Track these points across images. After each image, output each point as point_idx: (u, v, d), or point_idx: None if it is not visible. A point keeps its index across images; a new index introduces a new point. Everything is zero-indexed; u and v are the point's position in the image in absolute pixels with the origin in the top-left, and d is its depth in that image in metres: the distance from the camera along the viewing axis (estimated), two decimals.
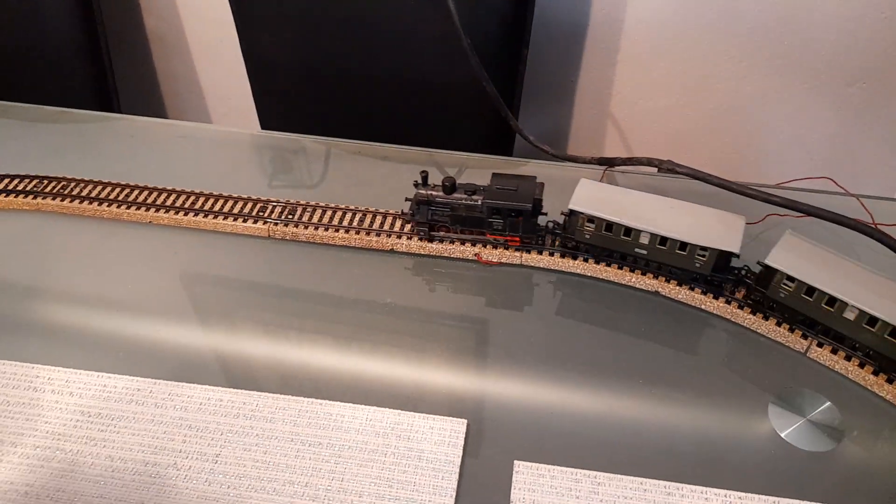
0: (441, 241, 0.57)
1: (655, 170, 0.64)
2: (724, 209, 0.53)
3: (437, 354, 0.50)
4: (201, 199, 0.61)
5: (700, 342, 0.51)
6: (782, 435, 0.45)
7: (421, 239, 0.57)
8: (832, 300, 0.47)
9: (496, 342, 0.51)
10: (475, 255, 0.56)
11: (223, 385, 0.47)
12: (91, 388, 0.47)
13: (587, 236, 0.54)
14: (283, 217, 0.59)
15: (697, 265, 0.52)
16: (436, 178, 0.56)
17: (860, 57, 0.89)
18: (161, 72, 1.12)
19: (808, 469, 0.43)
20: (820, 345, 0.49)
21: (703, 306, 0.52)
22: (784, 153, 1.02)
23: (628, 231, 0.52)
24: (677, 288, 0.52)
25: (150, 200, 0.60)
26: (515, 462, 0.43)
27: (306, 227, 0.58)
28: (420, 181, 0.56)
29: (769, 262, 0.49)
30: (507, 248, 0.56)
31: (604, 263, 0.54)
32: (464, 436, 0.44)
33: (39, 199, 0.60)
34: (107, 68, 0.94)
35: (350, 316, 0.53)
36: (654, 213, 0.52)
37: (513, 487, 0.41)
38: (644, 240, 0.52)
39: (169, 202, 0.60)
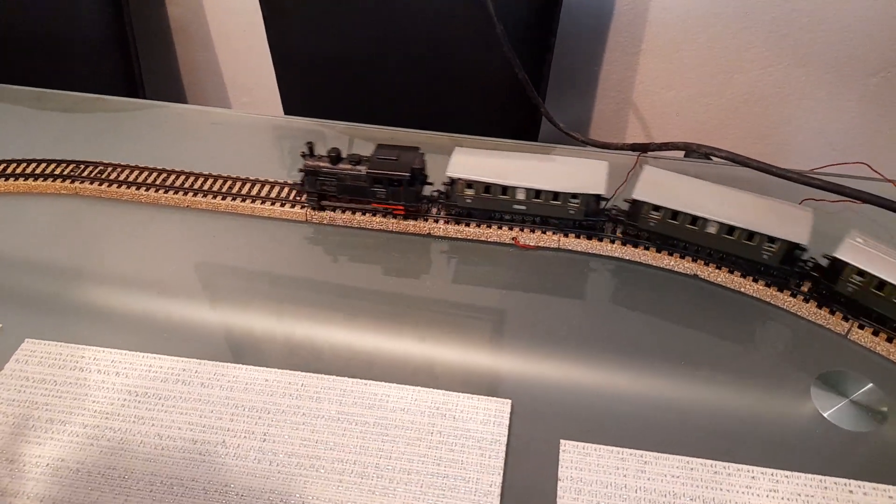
0: (334, 210, 0.58)
1: (683, 154, 0.65)
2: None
3: (478, 336, 0.50)
4: (238, 184, 0.61)
5: (740, 324, 0.51)
6: (825, 415, 0.45)
7: (313, 209, 0.58)
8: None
9: (537, 324, 0.51)
10: (512, 238, 0.56)
11: (268, 365, 0.48)
12: (137, 369, 0.48)
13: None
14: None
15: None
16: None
17: (883, 48, 0.89)
18: (183, 60, 1.12)
19: (851, 448, 0.43)
20: (861, 327, 0.49)
21: (742, 289, 0.52)
22: (806, 143, 1.02)
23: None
24: (716, 271, 0.52)
25: (187, 185, 0.61)
26: (562, 441, 0.43)
27: (343, 212, 0.58)
28: (307, 151, 0.57)
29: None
30: (395, 217, 0.57)
31: (653, 249, 0.54)
32: (508, 415, 0.44)
33: (77, 184, 0.61)
34: (133, 57, 0.95)
35: (392, 298, 0.53)
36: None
37: (560, 466, 0.42)
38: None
39: (206, 186, 0.61)
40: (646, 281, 0.54)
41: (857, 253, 0.48)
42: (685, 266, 0.53)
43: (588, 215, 0.55)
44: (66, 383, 0.47)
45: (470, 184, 0.55)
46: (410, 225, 0.58)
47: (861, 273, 0.48)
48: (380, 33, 0.84)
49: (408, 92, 0.89)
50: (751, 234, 0.50)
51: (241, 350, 0.49)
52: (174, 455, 0.43)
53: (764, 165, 0.53)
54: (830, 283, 0.50)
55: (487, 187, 0.55)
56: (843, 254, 0.48)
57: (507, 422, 0.44)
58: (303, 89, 0.94)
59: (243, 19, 1.01)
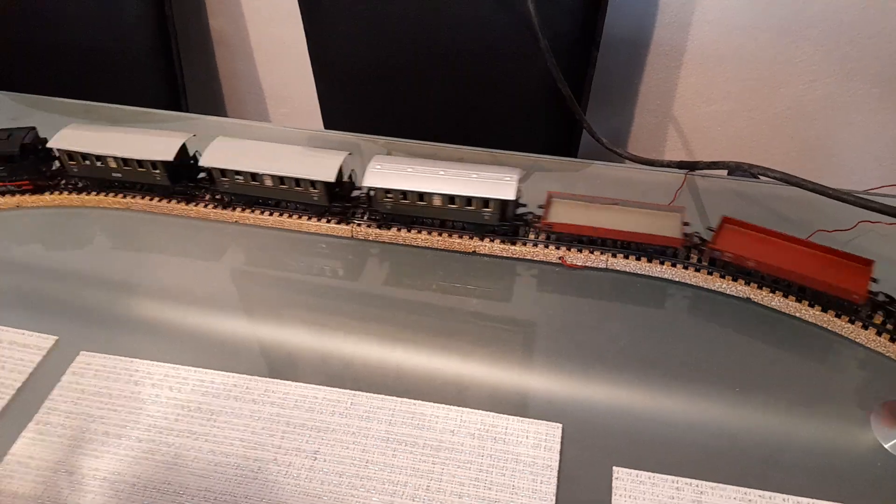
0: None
1: (725, 172, 0.63)
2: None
3: (527, 357, 0.50)
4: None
5: (796, 350, 0.50)
6: (886, 447, 0.44)
7: None
8: None
9: (585, 345, 0.50)
10: (559, 258, 0.56)
11: (317, 383, 0.48)
12: (189, 383, 0.48)
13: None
14: (365, 218, 0.59)
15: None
16: None
17: None
18: (223, 72, 1.14)
19: None
20: None
21: (798, 314, 0.51)
22: (851, 159, 1.00)
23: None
24: (770, 295, 0.51)
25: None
26: (615, 468, 0.42)
27: (389, 229, 0.58)
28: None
29: None
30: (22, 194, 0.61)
31: (692, 268, 0.53)
32: (559, 440, 0.44)
33: (129, 198, 0.62)
34: (177, 69, 0.96)
35: (437, 317, 0.53)
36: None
37: (613, 494, 0.41)
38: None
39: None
40: (697, 303, 0.53)
41: None
42: (738, 289, 0.52)
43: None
44: (121, 396, 0.48)
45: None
46: (455, 240, 0.58)
47: None
48: (421, 47, 0.85)
49: (447, 106, 0.89)
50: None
51: (291, 367, 0.50)
52: (227, 472, 0.43)
53: (818, 187, 0.52)
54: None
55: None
56: None
57: (559, 446, 0.44)
58: (343, 102, 0.95)
59: (285, 31, 1.02)
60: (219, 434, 0.45)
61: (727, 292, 0.53)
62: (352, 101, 0.94)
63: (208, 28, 1.08)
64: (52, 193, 0.63)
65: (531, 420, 0.45)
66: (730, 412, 0.46)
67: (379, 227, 0.59)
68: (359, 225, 0.59)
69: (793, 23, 0.87)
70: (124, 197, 0.62)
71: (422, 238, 0.58)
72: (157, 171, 0.61)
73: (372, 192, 0.57)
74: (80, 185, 0.63)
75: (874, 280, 0.49)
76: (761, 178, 0.63)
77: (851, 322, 0.50)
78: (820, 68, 0.91)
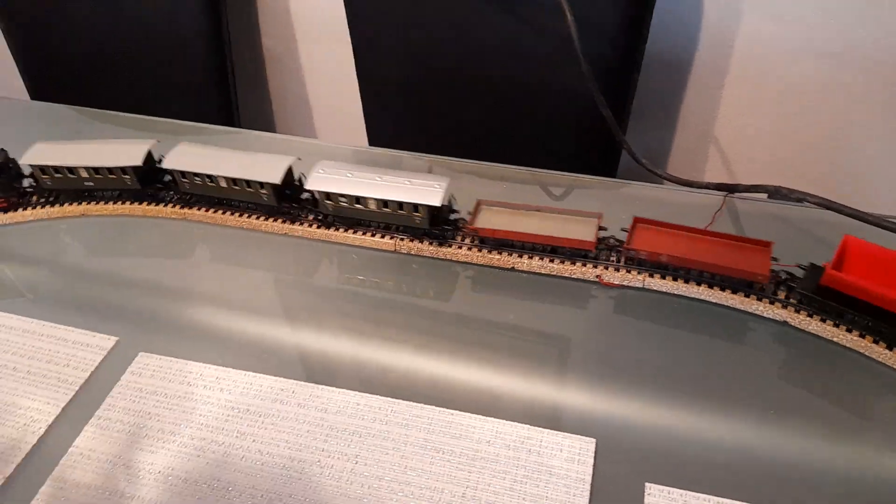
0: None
1: (766, 195, 0.64)
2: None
3: (560, 373, 0.51)
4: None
5: (834, 375, 0.50)
6: None
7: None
8: None
9: (620, 363, 0.51)
10: (597, 276, 0.57)
11: (358, 390, 0.50)
12: (239, 386, 0.51)
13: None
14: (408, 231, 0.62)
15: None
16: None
17: None
18: (274, 90, 1.19)
19: None
20: None
21: (836, 339, 0.51)
22: (892, 185, 0.98)
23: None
24: (808, 319, 0.52)
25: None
26: (647, 484, 0.43)
27: (430, 243, 0.61)
28: None
29: None
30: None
31: (729, 290, 0.54)
32: (593, 454, 0.45)
33: (186, 209, 0.66)
34: (231, 87, 1.01)
35: (474, 332, 0.55)
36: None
37: None
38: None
39: (302, 215, 0.64)
40: (732, 325, 0.54)
41: None
42: (774, 312, 0.53)
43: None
44: (176, 396, 0.51)
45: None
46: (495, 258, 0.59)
47: None
48: (464, 68, 0.87)
49: (489, 125, 0.92)
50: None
51: (333, 374, 0.52)
52: (273, 471, 0.46)
53: (859, 213, 0.52)
54: None
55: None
56: None
57: (592, 461, 0.45)
58: (388, 120, 0.98)
59: (333, 52, 1.06)
60: (265, 435, 0.48)
61: (764, 315, 0.53)
62: (396, 119, 0.97)
63: (261, 47, 1.13)
64: (119, 203, 0.67)
65: (565, 434, 0.46)
66: (764, 436, 0.46)
67: (327, 227, 0.63)
68: (401, 239, 0.61)
69: (837, 47, 0.86)
70: (182, 208, 0.66)
71: (359, 238, 0.63)
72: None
73: (316, 196, 0.63)
74: (177, 197, 0.68)
75: (775, 259, 0.54)
76: (801, 203, 0.63)
77: (889, 349, 0.50)
78: (863, 92, 0.90)
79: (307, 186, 0.61)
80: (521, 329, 0.55)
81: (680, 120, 1.00)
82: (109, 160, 0.65)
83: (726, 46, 0.91)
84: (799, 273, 0.54)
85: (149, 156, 0.66)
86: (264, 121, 1.23)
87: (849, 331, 0.50)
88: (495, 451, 0.46)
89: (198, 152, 0.65)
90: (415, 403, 0.49)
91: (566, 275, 0.58)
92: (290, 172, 0.63)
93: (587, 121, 0.85)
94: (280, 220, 0.64)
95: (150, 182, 0.67)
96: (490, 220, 0.60)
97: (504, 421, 0.47)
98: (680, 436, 0.46)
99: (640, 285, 0.56)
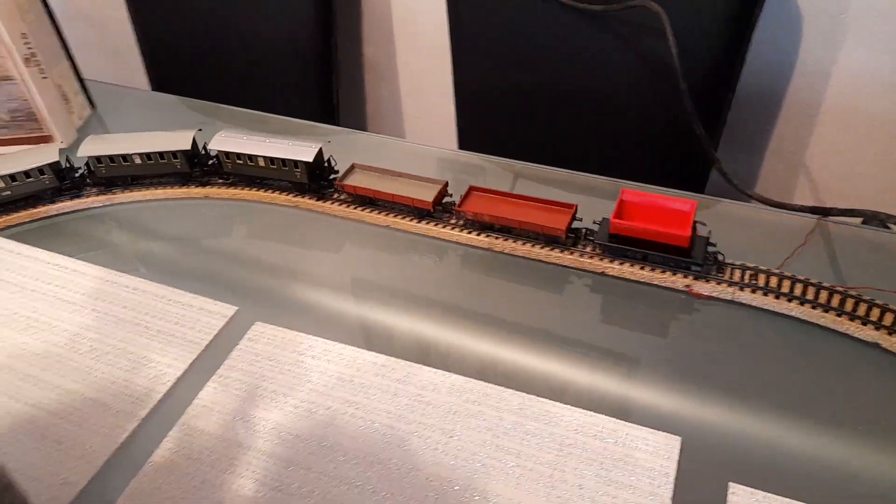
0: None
1: (860, 220, 0.64)
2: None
3: (646, 372, 0.53)
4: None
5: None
6: None
7: None
8: None
9: (708, 368, 0.53)
10: (686, 286, 0.59)
11: (455, 372, 0.54)
12: (344, 359, 0.56)
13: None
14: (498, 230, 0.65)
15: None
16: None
17: None
18: (370, 95, 1.25)
19: None
20: None
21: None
22: None
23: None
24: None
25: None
26: (731, 484, 0.45)
27: (515, 241, 0.64)
28: None
29: None
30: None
31: (821, 309, 0.55)
32: (678, 451, 0.47)
33: (298, 197, 0.72)
34: (333, 89, 1.08)
35: (565, 328, 0.58)
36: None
37: None
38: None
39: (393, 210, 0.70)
40: (823, 345, 0.54)
41: None
42: (867, 333, 0.53)
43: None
44: (288, 363, 0.56)
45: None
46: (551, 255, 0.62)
47: None
48: (560, 81, 0.91)
49: (578, 135, 0.94)
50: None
51: (432, 356, 0.56)
52: (374, 437, 0.50)
53: None
54: None
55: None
56: None
57: (677, 457, 0.47)
58: (481, 131, 1.02)
59: (430, 62, 1.12)
60: (368, 405, 0.52)
61: (856, 336, 0.54)
62: (489, 129, 1.01)
63: (362, 54, 1.20)
64: (231, 188, 0.74)
65: (651, 430, 0.48)
66: (849, 448, 0.47)
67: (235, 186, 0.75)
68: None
69: None
70: (294, 196, 0.72)
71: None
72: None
73: (217, 157, 0.75)
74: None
75: (579, 219, 0.64)
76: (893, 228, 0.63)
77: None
78: None
79: (209, 147, 0.73)
80: (606, 330, 0.57)
81: (771, 144, 1.00)
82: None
83: (822, 76, 0.91)
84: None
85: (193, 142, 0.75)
86: (359, 122, 1.30)
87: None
88: (583, 439, 0.48)
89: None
90: (506, 389, 0.52)
91: (656, 282, 0.60)
92: (320, 153, 0.72)
93: (679, 137, 0.87)
94: (383, 213, 0.69)
95: (197, 165, 0.76)
96: (356, 180, 0.71)
97: (592, 412, 0.50)
98: (765, 441, 0.48)
99: (730, 298, 0.58)
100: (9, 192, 0.72)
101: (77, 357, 0.58)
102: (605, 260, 0.61)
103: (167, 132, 0.75)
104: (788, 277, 0.57)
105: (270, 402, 0.53)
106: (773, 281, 0.57)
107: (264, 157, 0.72)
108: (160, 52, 1.19)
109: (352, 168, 0.72)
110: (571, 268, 0.63)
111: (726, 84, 0.83)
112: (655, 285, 0.60)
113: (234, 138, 0.74)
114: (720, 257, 0.59)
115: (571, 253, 0.63)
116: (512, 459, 0.48)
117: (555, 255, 0.63)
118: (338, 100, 1.09)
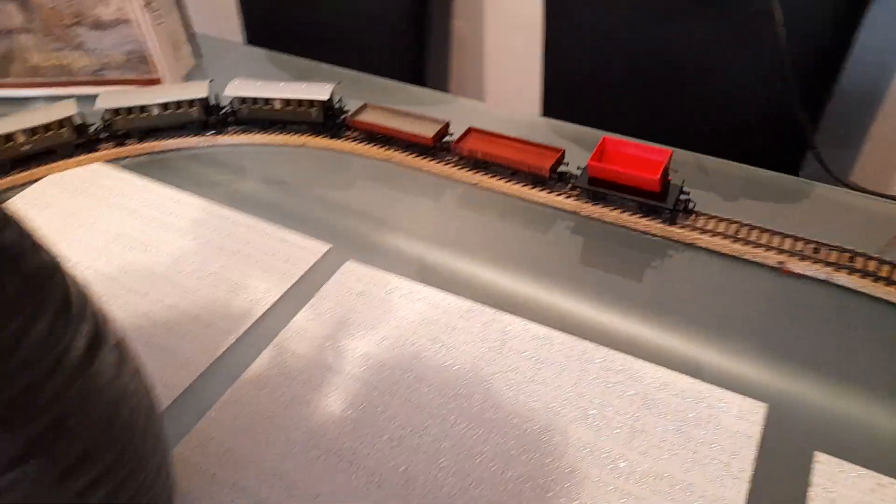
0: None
1: None
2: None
3: (735, 338, 0.53)
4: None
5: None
6: None
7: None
8: None
9: (789, 338, 0.52)
10: (779, 263, 0.58)
11: (540, 322, 0.55)
12: (430, 301, 0.57)
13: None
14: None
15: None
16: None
17: None
18: (455, 68, 1.27)
19: None
20: None
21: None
22: None
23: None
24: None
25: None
26: (816, 453, 0.44)
27: (612, 209, 0.64)
28: None
29: None
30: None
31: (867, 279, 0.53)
32: (763, 416, 0.47)
33: (389, 150, 0.74)
34: (423, 60, 1.11)
35: (649, 291, 0.58)
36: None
37: (813, 475, 0.43)
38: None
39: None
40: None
41: None
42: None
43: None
44: (376, 299, 0.58)
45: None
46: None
47: None
48: (653, 62, 0.90)
49: (671, 115, 0.93)
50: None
51: (514, 305, 0.57)
52: (458, 373, 0.51)
53: None
54: None
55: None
56: None
57: (762, 421, 0.46)
58: (568, 109, 1.02)
59: (518, 38, 1.12)
60: (452, 344, 0.54)
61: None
62: (577, 109, 1.01)
63: (451, 27, 1.21)
64: (329, 138, 0.77)
65: (736, 394, 0.48)
66: None
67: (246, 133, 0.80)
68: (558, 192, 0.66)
69: None
70: (387, 149, 0.74)
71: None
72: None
73: (234, 103, 0.79)
74: (356, 135, 0.77)
75: (566, 163, 0.69)
76: None
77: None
78: None
79: (225, 93, 0.77)
80: (693, 294, 0.57)
81: (870, 137, 0.96)
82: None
83: None
84: None
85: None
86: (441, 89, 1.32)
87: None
88: (666, 397, 0.49)
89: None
90: (591, 343, 0.53)
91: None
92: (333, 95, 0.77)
93: (775, 121, 0.85)
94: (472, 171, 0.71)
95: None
96: (367, 117, 0.76)
97: (676, 372, 0.50)
98: (854, 414, 0.47)
99: (825, 278, 0.56)
100: (157, 121, 0.78)
101: (180, 277, 0.61)
102: (584, 202, 0.66)
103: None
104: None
105: (359, 332, 0.55)
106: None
107: (280, 100, 0.77)
108: (256, 8, 1.23)
109: (363, 107, 0.78)
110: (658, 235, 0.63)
111: (832, 74, 0.81)
112: (740, 258, 0.59)
113: (250, 83, 0.78)
114: (691, 205, 0.63)
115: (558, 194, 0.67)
116: (594, 408, 0.48)
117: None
118: (425, 71, 1.11)
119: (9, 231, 0.29)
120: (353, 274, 0.61)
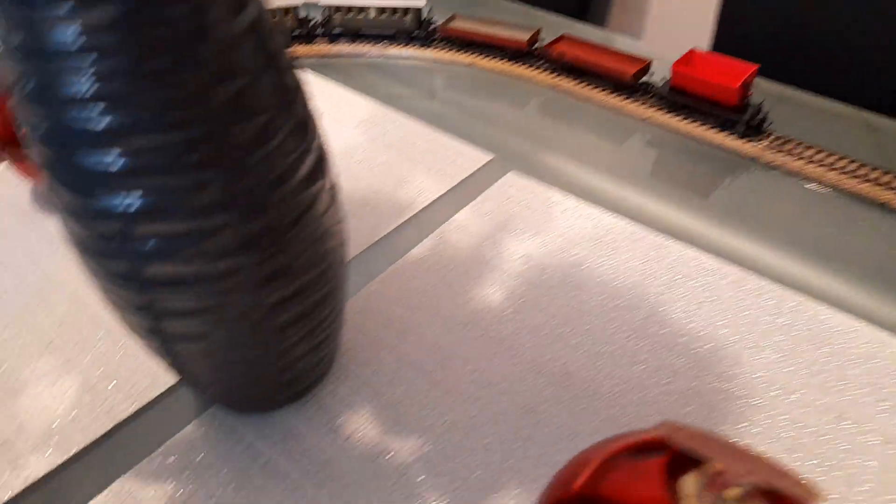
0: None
1: None
2: None
3: None
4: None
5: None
6: None
7: None
8: None
9: None
10: None
11: (710, 252, 0.52)
12: (594, 219, 0.56)
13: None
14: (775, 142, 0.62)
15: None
16: None
17: None
18: (615, 11, 1.23)
19: None
20: None
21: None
22: None
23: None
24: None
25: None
26: None
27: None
28: None
29: None
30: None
31: None
32: None
33: (554, 77, 0.73)
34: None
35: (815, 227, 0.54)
36: None
37: None
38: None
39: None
40: None
41: None
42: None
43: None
44: (536, 209, 0.57)
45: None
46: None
47: None
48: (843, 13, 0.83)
49: (858, 68, 0.86)
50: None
51: (677, 230, 0.55)
52: (621, 287, 0.50)
53: None
54: None
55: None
56: None
57: None
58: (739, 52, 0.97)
59: None
60: (616, 261, 0.52)
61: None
62: (749, 51, 0.95)
63: None
64: (505, 62, 0.77)
65: None
66: None
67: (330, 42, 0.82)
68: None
69: None
70: (554, 76, 0.73)
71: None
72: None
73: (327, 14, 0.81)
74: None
75: (651, 73, 0.71)
76: None
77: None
78: None
79: (320, 2, 0.80)
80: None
81: None
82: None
83: None
84: None
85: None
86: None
87: None
88: (856, 346, 0.45)
89: None
90: (767, 280, 0.50)
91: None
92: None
93: None
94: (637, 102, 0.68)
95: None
96: (458, 26, 0.79)
97: (860, 319, 0.46)
98: None
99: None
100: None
101: (350, 165, 0.63)
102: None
103: None
104: None
105: (520, 236, 0.55)
106: None
107: (375, 8, 0.79)
108: None
109: (452, 17, 0.80)
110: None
111: None
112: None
113: None
114: (768, 124, 0.64)
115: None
116: (768, 342, 0.45)
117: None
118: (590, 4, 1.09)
119: (276, 38, 0.30)
120: (515, 184, 0.60)
